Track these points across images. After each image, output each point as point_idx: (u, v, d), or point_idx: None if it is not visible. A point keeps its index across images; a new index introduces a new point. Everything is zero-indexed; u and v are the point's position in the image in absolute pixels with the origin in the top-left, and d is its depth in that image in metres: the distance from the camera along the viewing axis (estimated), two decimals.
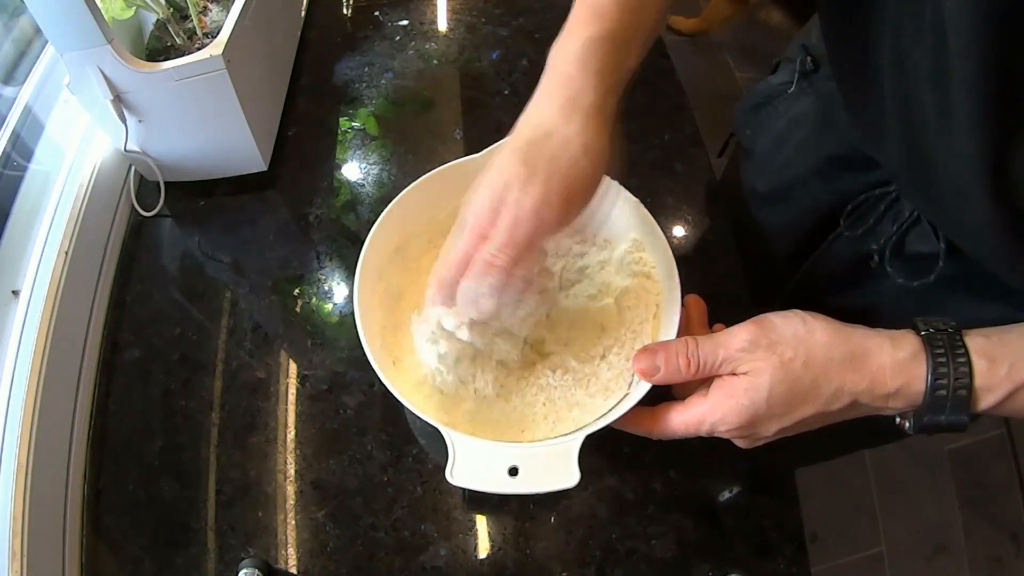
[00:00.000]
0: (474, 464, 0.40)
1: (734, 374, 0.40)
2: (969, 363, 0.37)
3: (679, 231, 0.66)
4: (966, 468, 1.44)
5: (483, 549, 0.50)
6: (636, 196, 0.51)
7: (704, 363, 0.40)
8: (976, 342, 0.38)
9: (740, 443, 0.43)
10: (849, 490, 1.38)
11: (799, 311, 0.41)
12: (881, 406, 0.39)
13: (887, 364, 0.38)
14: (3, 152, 0.59)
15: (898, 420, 0.41)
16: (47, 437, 0.51)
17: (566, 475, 0.39)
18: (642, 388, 0.43)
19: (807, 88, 0.62)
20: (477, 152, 0.52)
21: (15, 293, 0.55)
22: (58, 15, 0.51)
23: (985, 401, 0.37)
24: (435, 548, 0.50)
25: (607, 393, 0.47)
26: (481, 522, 0.51)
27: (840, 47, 0.49)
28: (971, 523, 1.36)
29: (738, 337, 0.40)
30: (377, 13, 0.84)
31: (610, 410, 0.44)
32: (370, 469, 0.53)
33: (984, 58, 0.32)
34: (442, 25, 0.83)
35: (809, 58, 0.61)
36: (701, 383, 0.42)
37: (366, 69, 0.79)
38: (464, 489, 0.51)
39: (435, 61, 0.80)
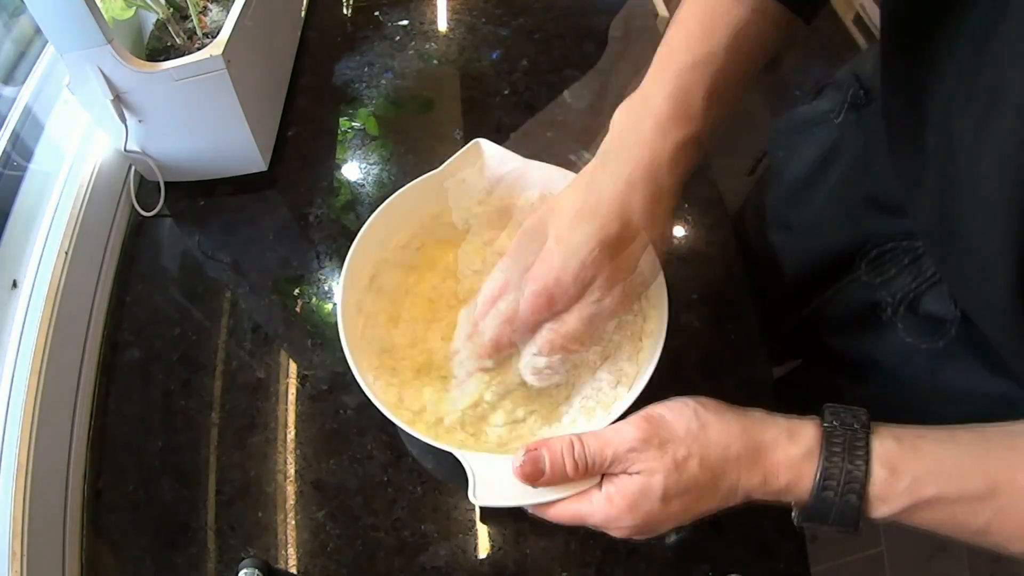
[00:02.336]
0: (496, 482, 0.39)
1: (627, 473, 0.38)
2: (867, 468, 0.35)
3: (680, 231, 0.66)
4: None
5: (483, 549, 0.50)
6: None
7: (592, 463, 0.38)
8: (884, 446, 0.36)
9: (634, 539, 0.40)
10: None
11: (690, 402, 0.39)
12: (774, 500, 0.38)
13: (780, 461, 0.37)
14: (3, 152, 0.59)
15: (792, 514, 0.39)
16: (47, 437, 0.51)
17: (590, 478, 0.39)
18: (632, 394, 0.43)
19: (854, 120, 0.59)
20: None
21: (15, 285, 0.55)
22: (58, 15, 0.51)
23: (879, 511, 0.35)
24: (435, 548, 0.50)
25: (611, 396, 0.46)
26: (481, 522, 0.51)
27: (894, 90, 0.47)
28: None
29: (627, 436, 0.38)
30: (377, 13, 0.84)
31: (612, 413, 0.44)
32: (370, 469, 0.53)
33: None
34: (442, 25, 0.83)
35: (862, 91, 0.58)
36: None
37: (366, 69, 0.79)
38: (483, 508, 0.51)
39: (435, 61, 0.80)
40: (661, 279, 0.47)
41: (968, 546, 0.36)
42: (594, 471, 0.38)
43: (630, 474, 0.38)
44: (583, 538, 0.50)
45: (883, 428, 0.37)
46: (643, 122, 0.42)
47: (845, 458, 0.35)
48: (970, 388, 0.38)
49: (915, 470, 0.35)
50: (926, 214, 0.43)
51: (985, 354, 0.46)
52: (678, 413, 0.39)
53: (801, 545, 0.50)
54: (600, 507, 0.38)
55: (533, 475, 0.38)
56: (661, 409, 0.39)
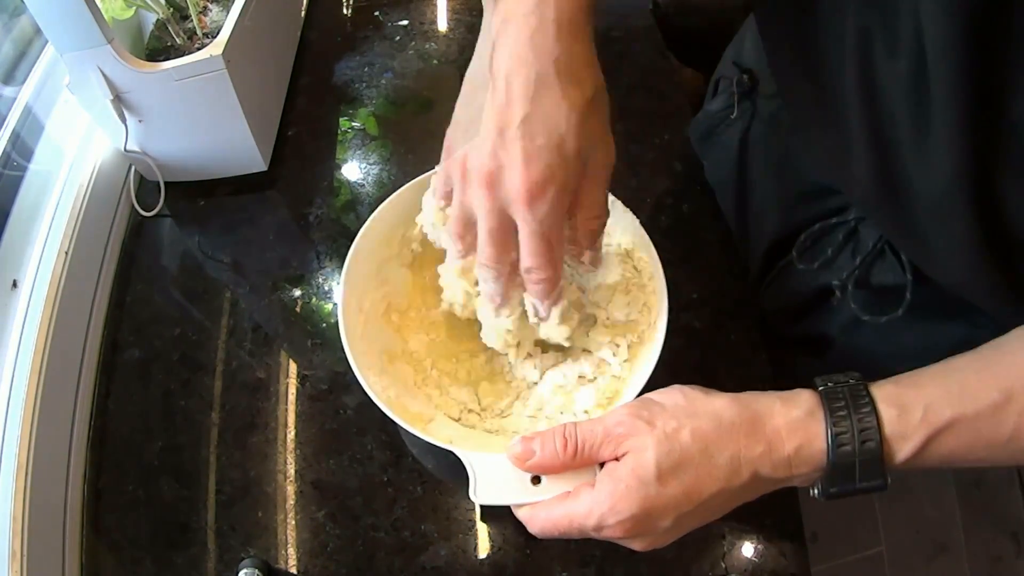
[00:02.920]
0: (496, 480, 0.39)
1: (617, 459, 0.37)
2: (875, 413, 0.34)
3: (679, 231, 0.65)
4: (966, 468, 1.44)
5: (483, 549, 0.50)
6: (636, 197, 0.51)
7: (583, 442, 0.37)
8: (884, 391, 0.35)
9: (636, 544, 0.38)
10: None
11: (680, 386, 0.39)
12: (785, 476, 0.36)
13: (781, 425, 0.35)
14: (3, 152, 0.59)
15: (812, 492, 0.37)
16: (47, 437, 0.51)
17: (586, 472, 0.38)
18: (630, 395, 0.42)
19: (748, 109, 0.59)
20: None
21: (15, 285, 0.55)
22: (58, 15, 0.51)
23: (902, 451, 0.34)
24: (435, 548, 0.50)
25: (612, 390, 0.47)
26: (481, 522, 0.51)
27: (790, 74, 0.47)
28: (971, 523, 1.36)
29: (617, 413, 0.38)
30: (377, 13, 0.84)
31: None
32: (370, 469, 0.53)
33: (962, 64, 0.31)
34: (442, 25, 0.83)
35: (745, 76, 0.58)
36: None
37: (366, 69, 0.79)
38: (483, 507, 0.51)
39: (435, 61, 0.80)
40: (662, 280, 0.47)
41: (1006, 467, 0.35)
42: (585, 451, 0.37)
43: (620, 458, 0.37)
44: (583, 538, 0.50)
45: (876, 381, 0.36)
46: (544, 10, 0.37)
47: (850, 410, 0.34)
48: (931, 343, 0.38)
49: (924, 400, 0.34)
50: (862, 177, 0.43)
51: (943, 308, 0.46)
52: (666, 393, 0.39)
53: (801, 545, 0.50)
54: (592, 501, 0.36)
55: (524, 455, 0.38)
56: (651, 393, 0.39)
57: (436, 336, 0.52)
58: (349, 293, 0.47)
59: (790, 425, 0.35)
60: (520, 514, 0.39)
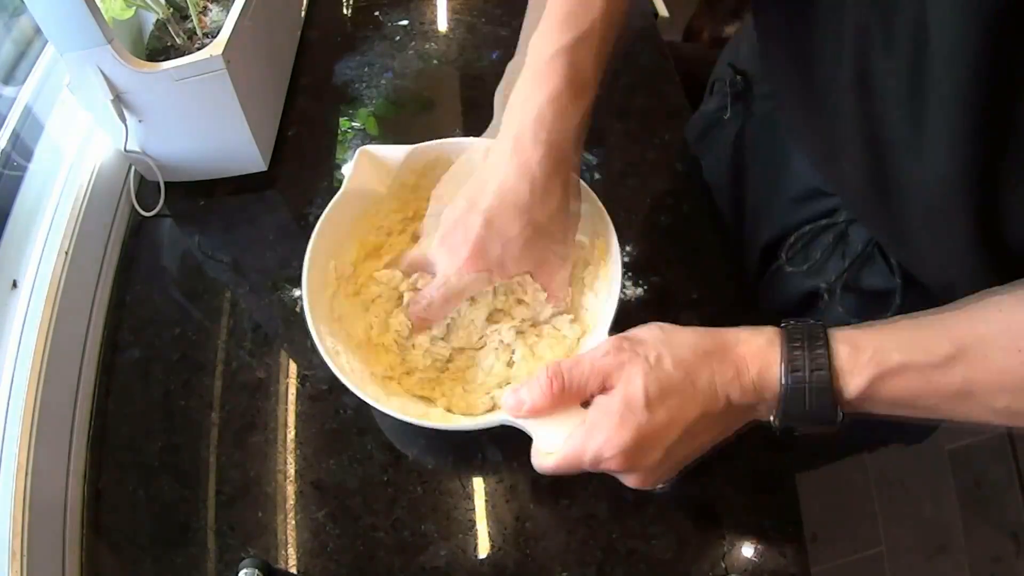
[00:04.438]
0: (552, 430, 0.41)
1: (604, 391, 0.39)
2: (827, 347, 0.36)
3: (679, 231, 0.65)
4: (966, 468, 1.43)
5: (483, 549, 0.50)
6: (636, 197, 0.51)
7: (570, 377, 0.40)
8: (841, 330, 0.38)
9: (630, 479, 0.40)
10: (849, 490, 1.37)
11: (656, 322, 0.41)
12: (752, 402, 0.38)
13: (746, 352, 0.38)
14: (3, 152, 0.59)
15: (773, 424, 0.39)
16: (47, 437, 0.51)
17: None
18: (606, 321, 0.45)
19: (742, 110, 0.60)
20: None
21: (15, 285, 0.55)
22: (58, 15, 0.51)
23: (850, 385, 0.36)
24: (435, 548, 0.50)
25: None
26: (481, 522, 0.51)
27: (785, 69, 0.48)
28: (971, 523, 1.36)
29: (600, 348, 0.40)
30: (377, 13, 0.84)
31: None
32: (370, 469, 0.53)
33: (975, 66, 0.31)
34: (442, 25, 0.83)
35: (739, 77, 0.59)
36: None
37: (366, 69, 0.79)
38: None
39: (435, 61, 0.80)
40: (609, 225, 0.49)
41: (955, 423, 0.37)
42: (574, 387, 0.40)
43: (608, 391, 0.39)
44: (583, 538, 0.50)
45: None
46: (542, 106, 0.43)
47: (805, 345, 0.37)
48: None
49: (876, 342, 0.36)
50: (853, 177, 0.43)
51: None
52: (646, 327, 0.41)
53: (801, 545, 0.50)
54: (588, 432, 0.38)
55: (517, 405, 0.41)
56: (627, 331, 0.42)
57: (407, 346, 0.51)
58: (323, 341, 0.46)
59: (753, 352, 0.38)
60: (533, 462, 0.41)
